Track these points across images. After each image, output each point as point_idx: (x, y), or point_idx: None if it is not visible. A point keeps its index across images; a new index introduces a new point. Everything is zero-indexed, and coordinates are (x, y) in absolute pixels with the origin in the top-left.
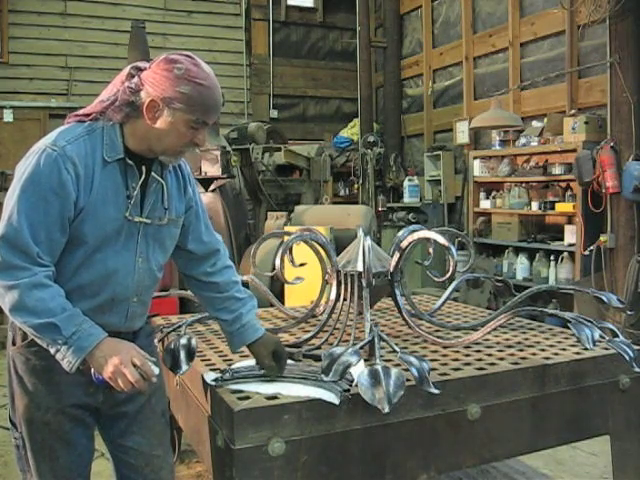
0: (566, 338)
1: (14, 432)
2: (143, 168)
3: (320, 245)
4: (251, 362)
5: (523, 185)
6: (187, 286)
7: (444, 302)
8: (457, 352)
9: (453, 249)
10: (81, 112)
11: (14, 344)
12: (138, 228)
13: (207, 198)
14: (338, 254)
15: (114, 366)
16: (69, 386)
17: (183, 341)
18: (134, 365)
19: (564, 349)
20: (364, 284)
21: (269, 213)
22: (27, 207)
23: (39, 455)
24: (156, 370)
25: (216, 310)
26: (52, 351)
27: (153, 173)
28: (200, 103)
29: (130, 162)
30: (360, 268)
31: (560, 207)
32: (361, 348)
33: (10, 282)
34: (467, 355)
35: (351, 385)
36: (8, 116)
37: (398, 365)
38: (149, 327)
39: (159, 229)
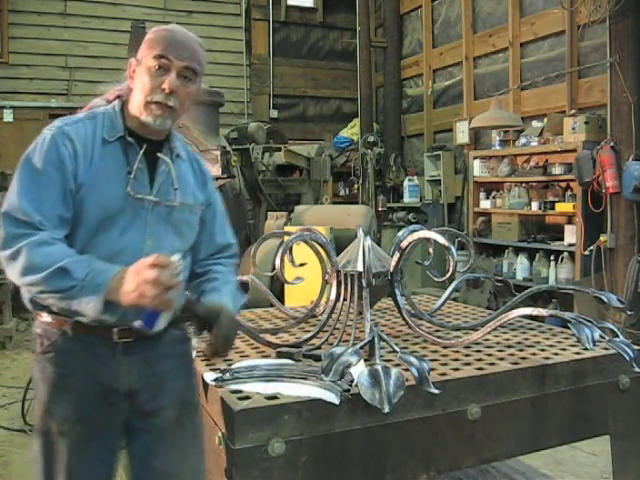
0: (566, 338)
1: (35, 445)
2: (148, 148)
3: (320, 245)
4: (251, 362)
5: (523, 185)
6: None
7: (444, 302)
8: (457, 352)
9: (453, 249)
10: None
11: (34, 353)
12: (146, 207)
13: None
14: (338, 254)
15: (137, 282)
16: (88, 394)
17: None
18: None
19: (564, 349)
20: (364, 284)
21: (269, 213)
22: (27, 182)
23: (54, 471)
24: (175, 257)
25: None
26: (74, 305)
27: (160, 154)
28: (159, 41)
29: (130, 140)
30: (360, 268)
31: (560, 207)
32: (361, 348)
33: (15, 246)
34: (467, 355)
35: (351, 385)
36: (8, 116)
37: (398, 365)
38: (176, 333)
39: (171, 212)
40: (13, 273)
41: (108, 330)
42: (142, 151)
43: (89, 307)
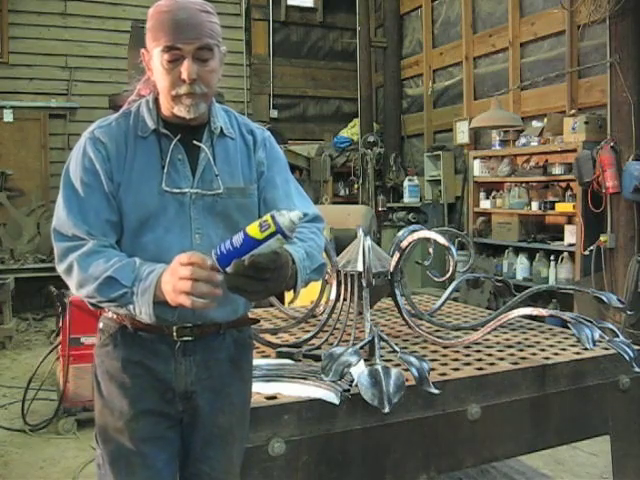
0: (566, 338)
1: (97, 448)
2: (186, 136)
3: None
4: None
5: (523, 185)
6: None
7: (444, 302)
8: (457, 352)
9: (453, 249)
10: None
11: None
12: (187, 201)
13: None
14: (338, 254)
15: (170, 283)
16: (143, 390)
17: None
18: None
19: (564, 349)
20: (364, 284)
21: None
22: (69, 195)
23: (115, 468)
24: (208, 260)
25: None
26: (132, 311)
27: (195, 141)
28: (160, 29)
29: (165, 131)
30: (360, 268)
31: (560, 207)
32: (361, 348)
33: (67, 261)
34: (467, 355)
35: (351, 385)
36: (8, 116)
37: (398, 365)
38: (240, 337)
39: (217, 201)
40: (72, 287)
41: (168, 328)
42: (175, 141)
43: (143, 312)
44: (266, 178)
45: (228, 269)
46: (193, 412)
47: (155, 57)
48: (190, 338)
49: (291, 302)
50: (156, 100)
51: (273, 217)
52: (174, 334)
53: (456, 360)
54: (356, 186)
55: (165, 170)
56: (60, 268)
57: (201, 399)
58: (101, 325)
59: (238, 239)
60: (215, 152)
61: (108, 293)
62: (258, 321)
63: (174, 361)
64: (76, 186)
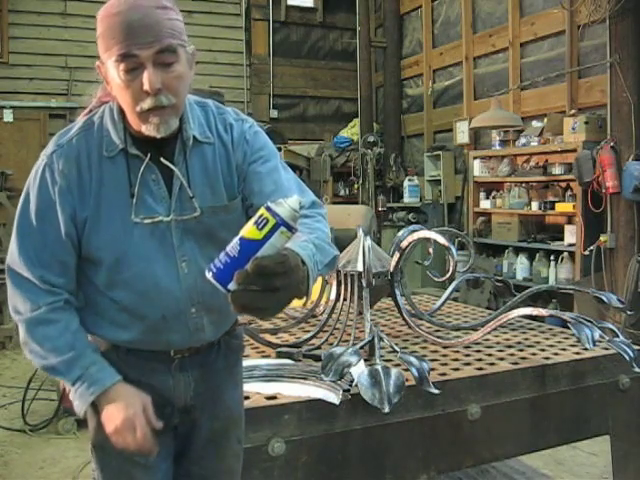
0: (566, 338)
1: (94, 465)
2: (157, 154)
3: None
4: (251, 362)
5: (523, 185)
6: None
7: (444, 302)
8: (457, 352)
9: (453, 249)
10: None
11: None
12: (169, 228)
13: None
14: None
15: (115, 426)
16: None
17: None
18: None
19: (564, 349)
20: (364, 284)
21: None
22: (24, 230)
23: None
24: (154, 450)
25: None
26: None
27: (164, 159)
28: (111, 36)
29: (134, 152)
30: (360, 268)
31: (560, 207)
32: (361, 348)
33: (16, 317)
34: (467, 355)
35: (351, 385)
36: (8, 116)
37: (398, 365)
38: (233, 343)
39: (200, 222)
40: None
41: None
42: (147, 161)
43: (74, 404)
44: (249, 174)
45: (231, 285)
46: (191, 424)
47: (110, 69)
48: (187, 354)
49: (304, 304)
50: (122, 110)
51: (269, 209)
52: (171, 352)
53: (456, 360)
54: (356, 186)
55: (134, 200)
56: (12, 310)
57: (199, 411)
58: (92, 339)
59: (234, 247)
60: (191, 165)
61: (52, 375)
62: (250, 322)
63: (172, 378)
64: (31, 219)
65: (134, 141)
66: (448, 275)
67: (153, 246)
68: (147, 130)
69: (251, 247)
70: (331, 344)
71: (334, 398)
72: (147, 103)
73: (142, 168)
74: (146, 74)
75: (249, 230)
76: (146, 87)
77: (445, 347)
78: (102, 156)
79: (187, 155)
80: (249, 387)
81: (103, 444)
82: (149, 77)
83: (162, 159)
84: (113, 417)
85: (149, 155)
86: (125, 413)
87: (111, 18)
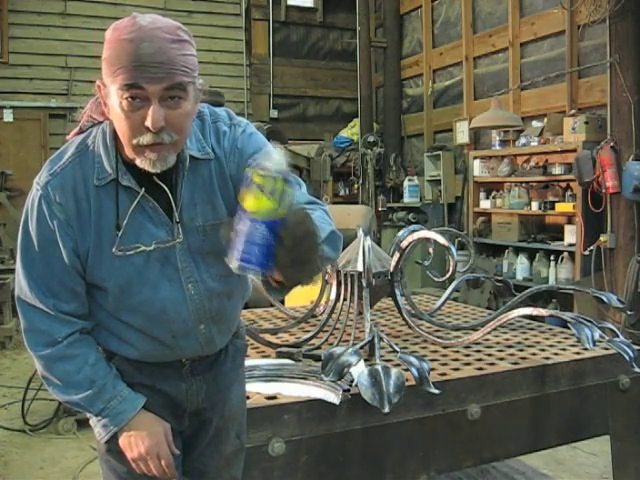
0: (566, 338)
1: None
2: (151, 183)
3: None
4: (251, 362)
5: (523, 185)
6: None
7: (444, 302)
8: (457, 352)
9: (453, 249)
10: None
11: None
12: (174, 251)
13: None
14: None
15: (139, 454)
16: (155, 407)
17: None
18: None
19: (564, 349)
20: (364, 284)
21: None
22: (29, 262)
23: None
24: (176, 476)
25: None
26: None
27: (162, 183)
28: (118, 62)
29: (126, 184)
30: (360, 268)
31: (560, 207)
32: (361, 348)
33: (34, 352)
34: (467, 355)
35: (351, 385)
36: (8, 116)
37: (398, 365)
38: (239, 343)
39: (204, 239)
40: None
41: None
42: (142, 193)
43: (95, 431)
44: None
45: (277, 271)
46: (199, 425)
47: (112, 95)
48: (196, 359)
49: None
50: (115, 134)
51: (259, 168)
52: (182, 359)
53: (456, 360)
54: (356, 186)
55: (119, 233)
56: (26, 341)
57: (209, 412)
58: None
59: (252, 231)
60: (189, 184)
61: (72, 407)
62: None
63: (184, 382)
64: (35, 251)
65: (127, 168)
66: (448, 275)
67: (156, 272)
68: (142, 164)
69: (271, 221)
70: (331, 344)
71: (334, 398)
72: (146, 139)
73: (137, 199)
74: (151, 111)
75: (259, 202)
76: (148, 124)
77: (445, 347)
78: (94, 184)
79: (185, 176)
80: (249, 387)
81: (110, 446)
82: (153, 114)
83: (160, 182)
84: (137, 444)
85: (143, 189)
86: (149, 441)
87: (121, 44)
